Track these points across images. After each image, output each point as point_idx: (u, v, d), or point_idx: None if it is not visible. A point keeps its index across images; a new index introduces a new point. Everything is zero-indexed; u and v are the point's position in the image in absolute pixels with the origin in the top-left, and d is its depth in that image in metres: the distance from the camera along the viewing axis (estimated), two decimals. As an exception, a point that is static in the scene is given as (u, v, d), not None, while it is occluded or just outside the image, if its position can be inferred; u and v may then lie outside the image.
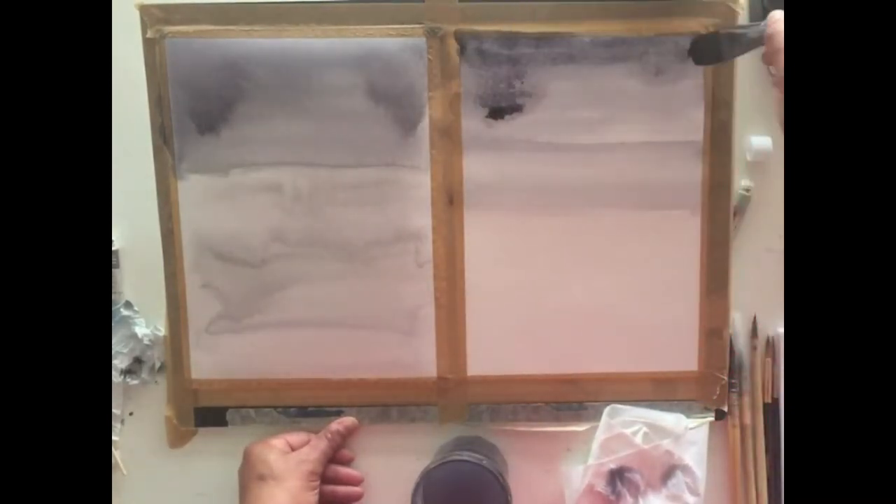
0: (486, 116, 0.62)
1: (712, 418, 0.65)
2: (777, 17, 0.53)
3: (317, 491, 0.61)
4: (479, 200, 0.63)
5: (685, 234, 0.63)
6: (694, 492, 0.63)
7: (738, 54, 0.59)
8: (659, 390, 0.65)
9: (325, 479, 0.63)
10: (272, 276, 0.64)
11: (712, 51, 0.59)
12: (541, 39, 0.61)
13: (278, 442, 0.63)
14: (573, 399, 0.65)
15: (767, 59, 0.54)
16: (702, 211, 0.63)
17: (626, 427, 0.64)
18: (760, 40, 0.54)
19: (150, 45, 0.62)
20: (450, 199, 0.63)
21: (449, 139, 0.63)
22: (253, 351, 0.64)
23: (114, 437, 0.66)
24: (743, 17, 0.61)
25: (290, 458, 0.62)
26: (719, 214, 0.63)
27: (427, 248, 0.63)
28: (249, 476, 0.61)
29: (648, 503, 0.63)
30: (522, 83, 0.62)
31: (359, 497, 0.65)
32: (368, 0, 0.61)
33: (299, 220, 0.63)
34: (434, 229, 0.63)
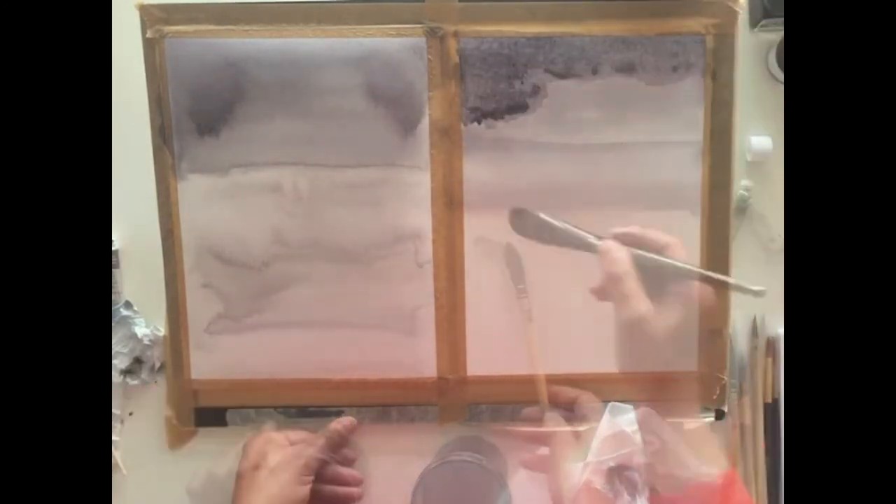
0: (486, 116, 0.62)
1: (712, 418, 0.65)
2: (607, 248, 0.52)
3: (309, 486, 0.61)
4: (479, 201, 0.63)
5: (685, 234, 0.63)
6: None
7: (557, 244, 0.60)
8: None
9: (326, 478, 0.63)
10: (272, 275, 0.64)
11: (531, 229, 0.61)
12: (541, 39, 0.61)
13: (277, 435, 0.63)
14: (573, 399, 0.65)
15: (600, 295, 0.52)
16: (702, 211, 0.63)
17: (628, 425, 0.64)
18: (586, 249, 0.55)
19: (150, 45, 0.62)
20: (450, 200, 0.63)
21: (449, 139, 0.63)
22: (253, 351, 0.64)
23: (114, 437, 0.66)
24: (743, 17, 0.61)
25: (286, 451, 0.62)
26: (719, 214, 0.63)
27: (427, 249, 0.63)
28: (245, 465, 0.61)
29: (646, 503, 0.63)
30: (522, 83, 0.62)
31: (357, 498, 0.65)
32: (368, 0, 0.61)
33: (299, 219, 0.63)
34: (434, 229, 0.63)
